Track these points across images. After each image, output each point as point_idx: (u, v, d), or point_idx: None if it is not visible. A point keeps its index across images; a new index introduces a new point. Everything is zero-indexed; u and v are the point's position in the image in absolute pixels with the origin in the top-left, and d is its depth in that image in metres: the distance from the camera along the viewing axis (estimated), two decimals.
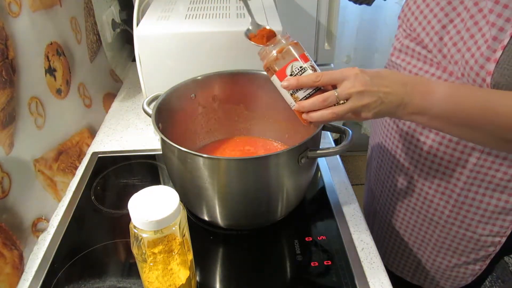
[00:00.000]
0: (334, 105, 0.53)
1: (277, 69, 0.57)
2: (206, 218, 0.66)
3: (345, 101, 0.53)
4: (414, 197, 0.75)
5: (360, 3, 0.87)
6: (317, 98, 0.53)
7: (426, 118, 0.53)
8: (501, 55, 0.52)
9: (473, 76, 0.56)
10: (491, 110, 0.52)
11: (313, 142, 0.60)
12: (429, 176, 0.70)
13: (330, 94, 0.53)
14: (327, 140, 0.93)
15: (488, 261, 0.74)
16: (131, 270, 0.61)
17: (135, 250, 0.47)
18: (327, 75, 0.53)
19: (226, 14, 0.84)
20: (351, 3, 0.88)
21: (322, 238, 0.66)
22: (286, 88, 0.56)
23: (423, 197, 0.73)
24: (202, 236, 0.67)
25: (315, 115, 0.54)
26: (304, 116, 0.56)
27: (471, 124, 0.53)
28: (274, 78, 0.57)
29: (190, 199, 0.66)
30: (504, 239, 0.70)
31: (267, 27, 0.65)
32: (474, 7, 0.55)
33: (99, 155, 0.86)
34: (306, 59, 0.56)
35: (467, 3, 0.57)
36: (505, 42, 0.52)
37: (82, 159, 0.86)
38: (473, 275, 0.77)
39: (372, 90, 0.52)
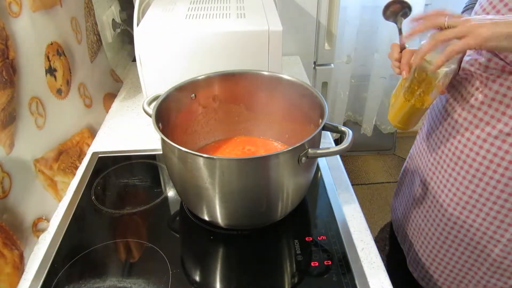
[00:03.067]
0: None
1: None
2: (206, 218, 0.66)
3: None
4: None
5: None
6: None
7: None
8: None
9: None
10: None
11: (313, 142, 0.60)
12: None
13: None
14: (327, 140, 0.93)
15: None
16: (131, 270, 0.61)
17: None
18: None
19: (226, 14, 0.85)
20: (352, 3, 0.87)
21: (322, 238, 0.66)
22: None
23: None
24: (202, 236, 0.67)
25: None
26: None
27: None
28: None
29: (190, 199, 0.66)
30: None
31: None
32: None
33: (99, 155, 0.86)
34: None
35: None
36: None
37: (82, 159, 0.87)
38: None
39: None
